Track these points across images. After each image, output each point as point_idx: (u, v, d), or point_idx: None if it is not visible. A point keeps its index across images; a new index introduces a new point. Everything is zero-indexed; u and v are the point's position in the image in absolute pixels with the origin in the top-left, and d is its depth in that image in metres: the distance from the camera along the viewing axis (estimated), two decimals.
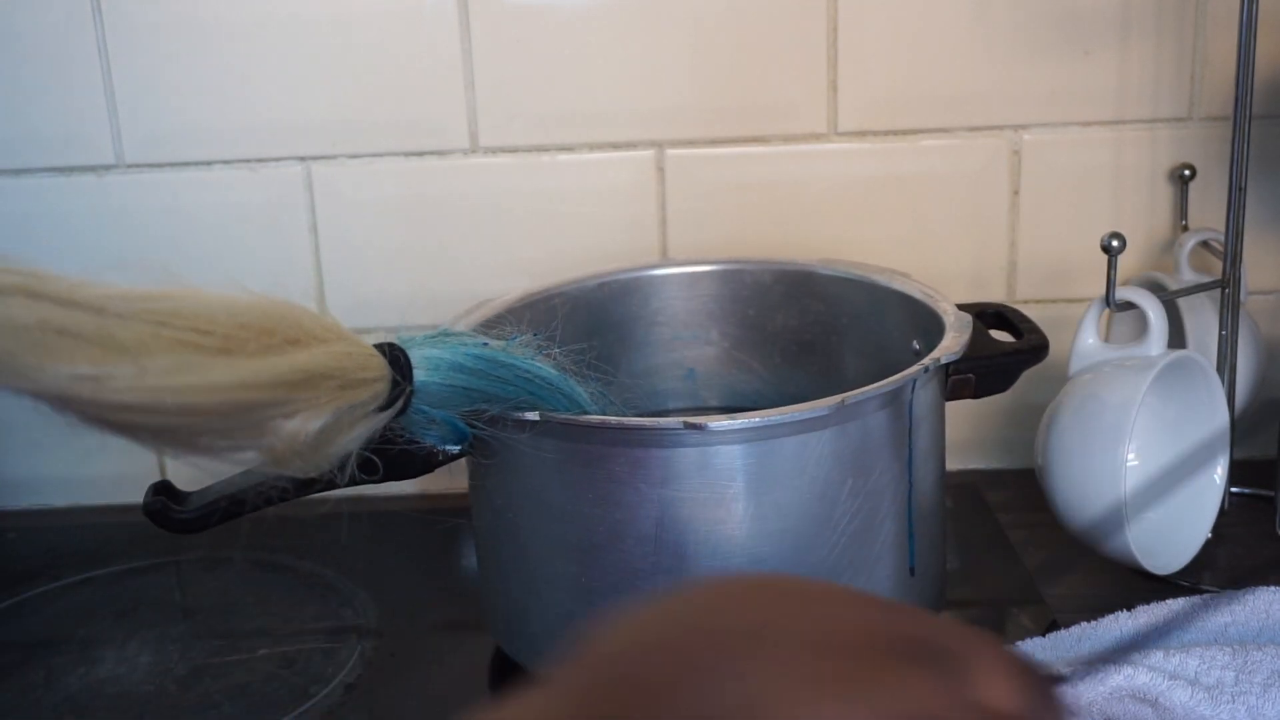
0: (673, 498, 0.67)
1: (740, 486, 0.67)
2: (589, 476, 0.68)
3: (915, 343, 0.81)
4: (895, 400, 0.71)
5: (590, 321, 0.86)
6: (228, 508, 0.68)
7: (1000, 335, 0.80)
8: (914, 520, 0.73)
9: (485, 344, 0.68)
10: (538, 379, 0.69)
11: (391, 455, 0.67)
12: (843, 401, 0.67)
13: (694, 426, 0.66)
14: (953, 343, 0.74)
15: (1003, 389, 0.77)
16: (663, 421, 0.67)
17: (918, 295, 0.82)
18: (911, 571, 0.73)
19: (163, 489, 0.69)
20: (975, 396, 0.76)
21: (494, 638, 0.78)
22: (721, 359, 0.90)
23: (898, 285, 0.84)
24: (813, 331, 0.88)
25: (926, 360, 0.71)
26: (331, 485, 0.67)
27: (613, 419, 0.68)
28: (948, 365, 0.73)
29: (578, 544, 0.69)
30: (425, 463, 0.70)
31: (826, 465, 0.68)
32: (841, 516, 0.69)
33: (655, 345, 0.89)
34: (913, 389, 0.71)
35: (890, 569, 0.72)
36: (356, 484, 0.67)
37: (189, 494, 0.69)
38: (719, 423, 0.66)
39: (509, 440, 0.69)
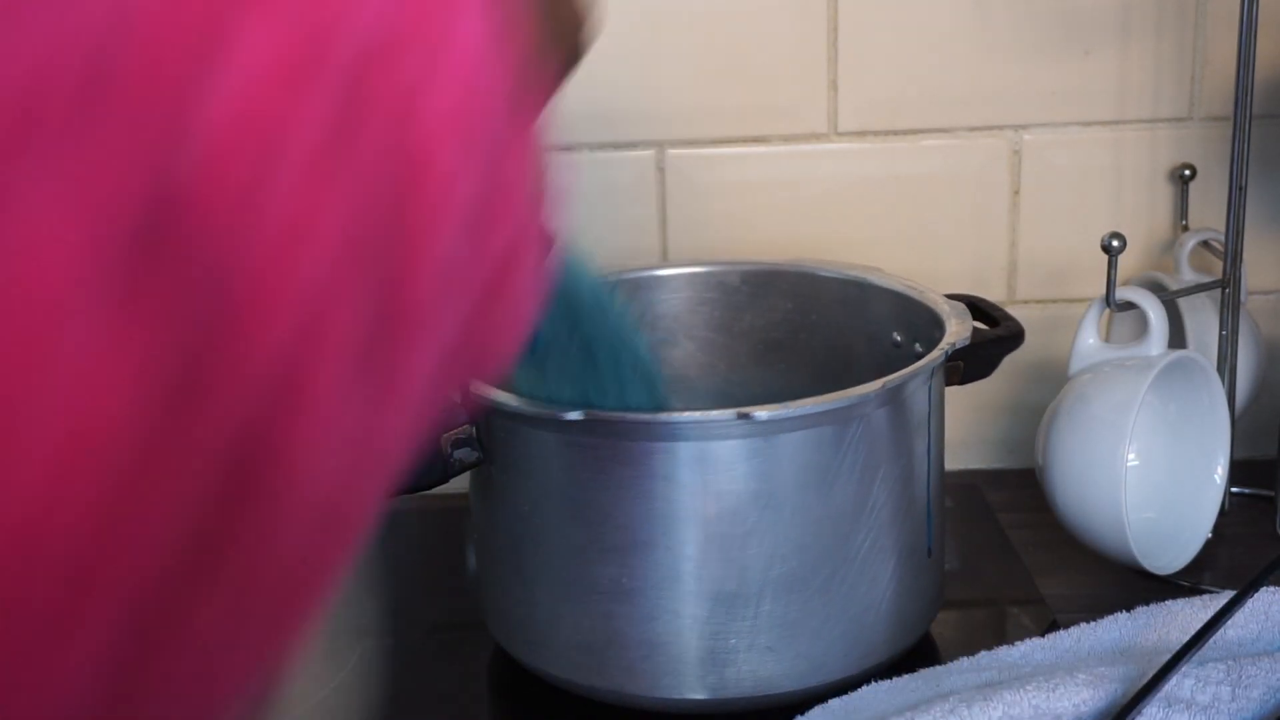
0: (720, 490, 0.68)
1: (787, 475, 0.68)
2: (632, 474, 0.68)
3: (896, 335, 0.83)
4: (922, 384, 0.72)
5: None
6: None
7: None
8: (932, 502, 0.74)
9: (605, 282, 0.67)
10: (628, 350, 0.67)
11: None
12: (884, 385, 0.68)
13: (745, 416, 0.66)
14: (962, 328, 0.76)
15: (985, 375, 0.79)
16: (712, 414, 0.67)
17: (898, 288, 0.83)
18: (929, 553, 0.75)
19: None
20: (961, 383, 0.77)
21: (513, 651, 0.76)
22: (686, 362, 0.90)
23: (873, 279, 0.85)
24: (781, 330, 0.89)
25: (944, 345, 0.73)
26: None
27: (659, 414, 0.68)
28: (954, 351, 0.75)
29: (618, 544, 0.69)
30: (442, 472, 0.70)
31: (864, 450, 0.69)
32: (876, 500, 0.70)
33: None
34: (932, 373, 0.73)
35: (913, 551, 0.74)
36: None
37: None
38: (768, 412, 0.66)
39: (540, 441, 0.69)
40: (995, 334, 0.78)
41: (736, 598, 0.69)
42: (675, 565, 0.68)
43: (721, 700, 0.70)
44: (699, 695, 0.70)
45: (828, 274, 0.86)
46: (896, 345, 0.83)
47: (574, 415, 0.67)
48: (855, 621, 0.71)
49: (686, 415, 0.67)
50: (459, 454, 0.70)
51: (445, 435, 0.70)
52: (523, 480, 0.70)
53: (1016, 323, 0.80)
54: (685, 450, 0.67)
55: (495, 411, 0.70)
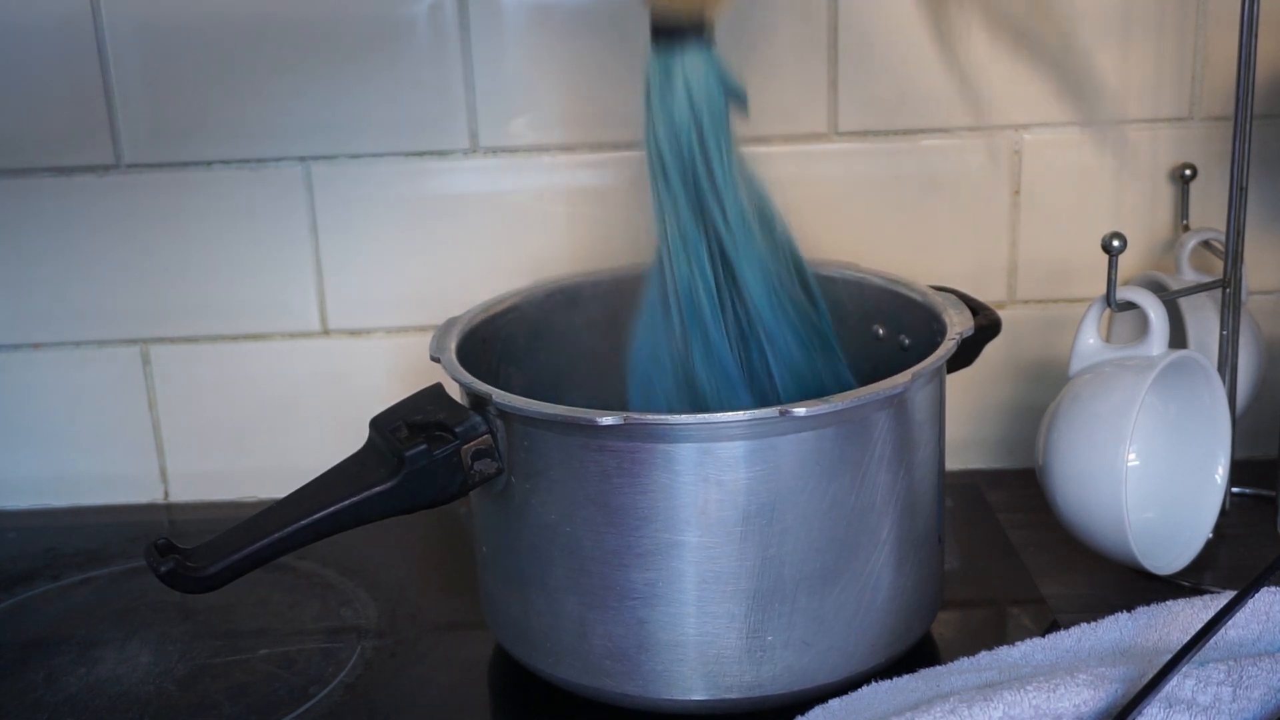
0: (758, 487, 0.68)
1: (823, 468, 0.68)
2: (669, 476, 0.67)
3: (879, 328, 0.84)
4: (938, 373, 0.74)
5: (542, 332, 0.85)
6: (244, 562, 0.68)
7: None
8: (941, 490, 0.76)
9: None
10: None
11: (425, 482, 0.68)
12: (914, 376, 0.69)
13: (785, 413, 0.66)
14: (963, 318, 0.77)
15: (968, 364, 0.80)
16: (754, 412, 0.67)
17: (878, 283, 0.84)
18: (940, 540, 0.76)
19: (168, 548, 0.67)
20: (949, 371, 0.78)
21: (535, 666, 0.75)
22: None
23: (850, 274, 0.85)
24: None
25: (953, 334, 0.75)
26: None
27: (697, 415, 0.67)
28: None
29: (653, 548, 0.68)
30: (462, 484, 0.70)
31: (892, 439, 0.70)
32: (900, 488, 0.71)
33: (601, 352, 0.87)
34: (945, 362, 0.74)
35: (927, 538, 0.75)
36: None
37: (195, 550, 0.68)
38: (807, 408, 0.66)
39: (569, 448, 0.68)
40: (978, 324, 0.79)
41: (774, 594, 0.69)
42: (712, 565, 0.68)
43: (757, 699, 0.71)
44: (734, 695, 0.70)
45: None
46: (878, 338, 0.84)
47: (609, 420, 0.66)
48: (881, 610, 0.72)
49: (728, 416, 0.67)
50: (479, 466, 0.70)
51: (465, 447, 0.70)
52: (549, 489, 0.70)
53: (994, 312, 0.82)
54: (725, 450, 0.67)
55: (519, 420, 0.70)
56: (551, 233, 0.98)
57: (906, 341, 0.82)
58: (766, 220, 0.78)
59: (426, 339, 0.79)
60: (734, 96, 0.75)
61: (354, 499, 0.68)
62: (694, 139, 0.73)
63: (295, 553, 0.84)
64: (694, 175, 0.74)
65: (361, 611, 0.86)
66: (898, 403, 0.70)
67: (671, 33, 0.73)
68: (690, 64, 0.73)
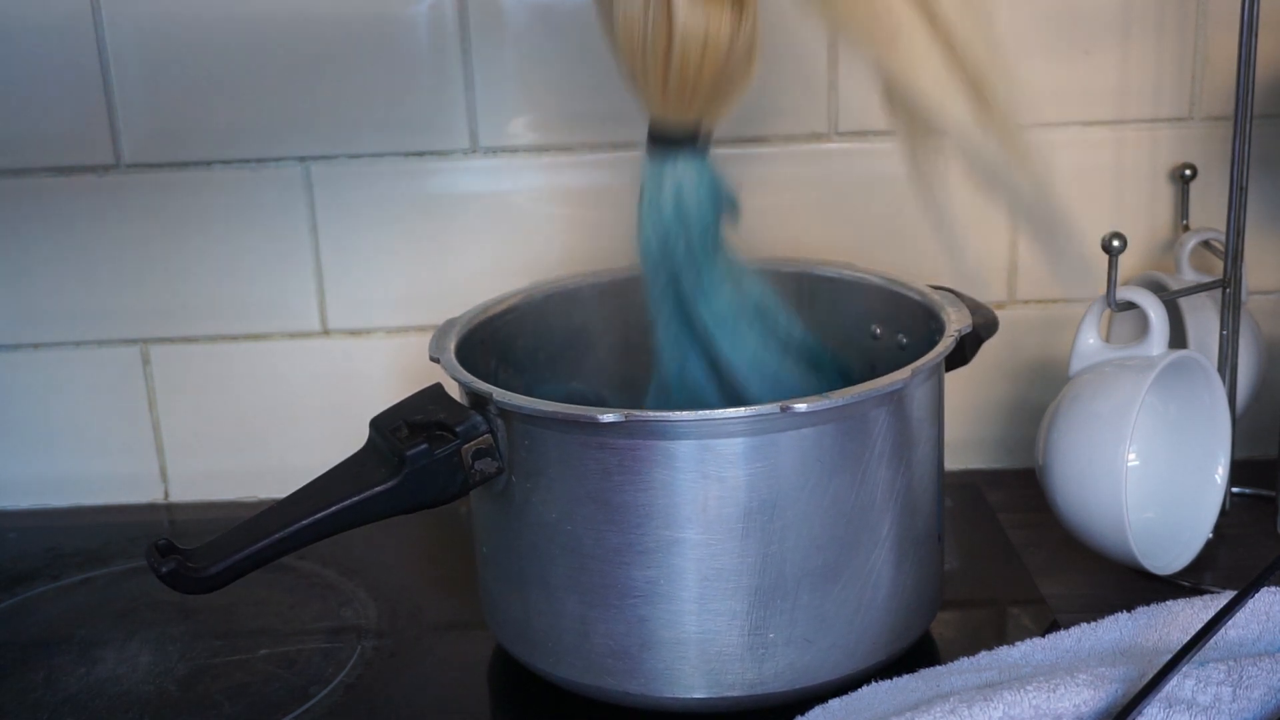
0: (760, 483, 0.68)
1: (824, 464, 0.68)
2: (670, 474, 0.67)
3: (876, 328, 0.84)
4: (937, 370, 0.74)
5: (542, 332, 0.85)
6: (245, 562, 0.68)
7: None
8: (941, 489, 0.76)
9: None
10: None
11: (426, 482, 0.68)
12: (913, 371, 0.70)
13: (787, 409, 0.66)
14: (963, 315, 0.77)
15: (965, 363, 0.80)
16: (756, 409, 0.67)
17: (876, 282, 0.84)
18: (940, 538, 0.76)
19: (169, 549, 0.67)
20: (947, 369, 0.78)
21: (535, 666, 0.75)
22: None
23: (847, 274, 0.85)
24: None
25: (953, 331, 0.75)
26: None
27: (698, 412, 0.67)
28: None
29: (654, 546, 0.68)
30: (462, 484, 0.70)
31: (893, 436, 0.71)
32: (900, 485, 0.71)
33: (600, 352, 0.87)
34: (944, 359, 0.74)
35: (927, 536, 0.75)
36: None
37: (196, 550, 0.68)
38: (808, 404, 0.67)
39: (570, 446, 0.68)
40: (975, 322, 0.79)
41: (775, 591, 0.69)
42: (714, 562, 0.68)
43: (759, 696, 0.71)
44: (736, 693, 0.70)
45: (794, 270, 0.86)
46: (875, 338, 0.84)
47: (609, 417, 0.66)
48: (882, 608, 0.72)
49: (729, 412, 0.67)
50: (479, 465, 0.70)
51: (466, 446, 0.70)
52: (550, 487, 0.70)
53: (991, 310, 0.82)
54: (725, 446, 0.67)
55: (519, 418, 0.69)
56: (551, 233, 0.98)
57: (904, 341, 0.82)
58: (767, 319, 0.78)
59: (426, 339, 0.79)
60: (727, 205, 0.75)
61: (355, 499, 0.68)
62: (681, 247, 0.74)
63: (295, 553, 0.84)
64: (679, 282, 0.75)
65: (361, 611, 0.86)
66: (897, 399, 0.70)
67: (667, 142, 0.73)
68: (683, 173, 0.73)
